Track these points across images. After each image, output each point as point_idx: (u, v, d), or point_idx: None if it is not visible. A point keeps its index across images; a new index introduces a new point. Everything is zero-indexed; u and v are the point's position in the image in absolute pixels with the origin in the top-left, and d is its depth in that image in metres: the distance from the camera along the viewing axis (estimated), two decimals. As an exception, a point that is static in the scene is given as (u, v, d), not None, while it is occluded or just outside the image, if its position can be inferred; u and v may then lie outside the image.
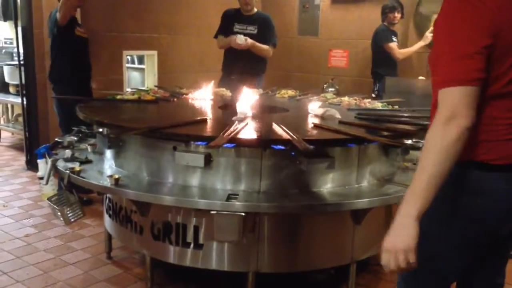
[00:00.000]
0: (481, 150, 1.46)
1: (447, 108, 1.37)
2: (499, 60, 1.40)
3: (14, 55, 6.03)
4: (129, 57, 6.60)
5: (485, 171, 1.45)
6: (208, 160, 2.41)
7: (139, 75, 7.09)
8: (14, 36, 5.50)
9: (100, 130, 2.83)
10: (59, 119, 4.18)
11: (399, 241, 1.37)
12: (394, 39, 5.32)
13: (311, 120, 2.91)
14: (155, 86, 4.50)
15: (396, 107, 3.56)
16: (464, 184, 1.48)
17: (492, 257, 1.66)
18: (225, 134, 2.35)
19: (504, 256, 1.71)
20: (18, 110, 6.25)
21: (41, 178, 2.99)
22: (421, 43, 5.34)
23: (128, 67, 6.26)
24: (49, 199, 2.88)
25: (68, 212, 2.87)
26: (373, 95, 5.02)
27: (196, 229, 2.53)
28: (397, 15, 5.32)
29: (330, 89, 5.23)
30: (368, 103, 3.58)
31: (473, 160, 1.46)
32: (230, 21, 4.68)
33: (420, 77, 5.21)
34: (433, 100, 1.49)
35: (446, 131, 1.36)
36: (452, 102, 1.37)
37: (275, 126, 2.61)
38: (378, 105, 3.53)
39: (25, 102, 5.15)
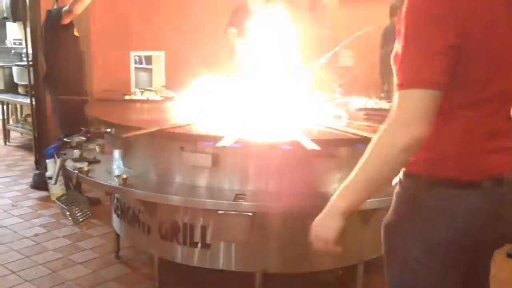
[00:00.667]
0: (451, 165, 1.30)
1: (402, 112, 1.23)
2: (469, 62, 1.24)
3: (23, 55, 6.07)
4: (136, 57, 6.62)
5: (457, 189, 1.30)
6: (215, 160, 2.42)
7: (147, 75, 7.11)
8: (23, 37, 5.53)
9: (108, 130, 2.84)
10: (61, 122, 4.19)
11: (321, 231, 1.41)
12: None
13: (319, 120, 2.91)
14: (163, 86, 4.52)
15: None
16: (434, 204, 1.33)
17: (474, 274, 1.51)
18: (233, 134, 2.35)
19: (486, 274, 1.58)
20: (27, 111, 6.28)
21: (50, 178, 3.01)
22: None
23: (135, 67, 6.28)
24: (57, 198, 2.90)
25: (76, 212, 2.89)
26: (382, 95, 4.99)
27: (204, 229, 2.54)
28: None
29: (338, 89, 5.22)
30: (375, 103, 3.57)
31: (443, 176, 1.31)
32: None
33: None
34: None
35: (396, 139, 1.23)
36: (408, 106, 1.22)
37: (283, 126, 2.61)
38: (385, 104, 3.52)
39: (34, 103, 5.18)
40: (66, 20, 3.92)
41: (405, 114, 1.23)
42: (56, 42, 4.06)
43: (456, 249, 1.35)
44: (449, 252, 1.35)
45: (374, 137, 1.29)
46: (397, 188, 1.45)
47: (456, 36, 1.21)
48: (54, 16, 4.01)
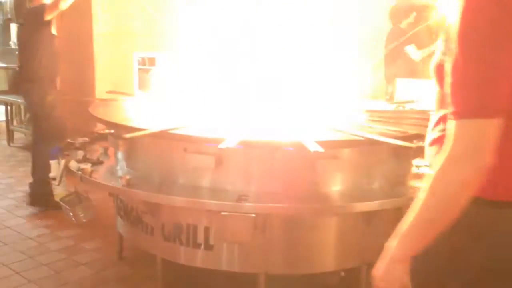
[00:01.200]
0: (501, 187, 1.18)
1: (462, 144, 1.11)
2: None
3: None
4: (139, 58, 6.63)
5: (500, 209, 1.19)
6: (218, 161, 2.42)
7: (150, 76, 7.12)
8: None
9: (112, 131, 2.85)
10: (36, 125, 4.15)
11: (385, 285, 1.29)
12: (410, 42, 5.28)
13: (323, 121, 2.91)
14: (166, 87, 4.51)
15: (408, 108, 3.55)
16: (474, 225, 1.21)
17: None
18: (236, 135, 2.35)
19: None
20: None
21: (54, 179, 3.02)
22: (432, 47, 5.30)
23: (138, 68, 6.28)
24: (61, 199, 2.91)
25: (80, 212, 2.90)
26: (387, 97, 4.99)
27: (207, 230, 2.54)
28: (414, 16, 5.31)
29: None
30: (379, 106, 3.57)
31: (487, 198, 1.19)
32: None
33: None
34: (434, 118, 1.31)
35: (458, 174, 1.11)
36: (470, 138, 1.10)
37: (286, 126, 2.61)
38: (389, 106, 3.52)
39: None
40: (49, 15, 3.80)
41: (467, 146, 1.10)
42: (34, 39, 3.93)
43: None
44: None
45: (431, 174, 1.16)
46: None
47: None
48: (36, 11, 3.88)
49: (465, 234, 1.21)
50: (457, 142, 1.11)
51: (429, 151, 1.35)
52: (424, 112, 3.37)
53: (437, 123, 1.31)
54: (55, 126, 4.01)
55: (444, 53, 1.19)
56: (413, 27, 5.44)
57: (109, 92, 4.33)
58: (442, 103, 1.26)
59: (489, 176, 1.12)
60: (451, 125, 1.13)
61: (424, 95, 4.74)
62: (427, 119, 3.14)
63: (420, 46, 5.47)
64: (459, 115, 1.11)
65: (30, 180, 4.17)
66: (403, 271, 1.25)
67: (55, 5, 3.82)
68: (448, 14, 1.17)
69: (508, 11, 1.04)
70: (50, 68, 4.05)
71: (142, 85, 6.40)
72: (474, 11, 1.07)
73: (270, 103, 2.92)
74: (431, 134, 1.33)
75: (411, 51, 5.26)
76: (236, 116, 2.84)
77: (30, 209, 4.08)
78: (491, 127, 1.09)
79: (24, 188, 4.63)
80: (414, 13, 5.31)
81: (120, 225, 3.04)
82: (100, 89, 5.07)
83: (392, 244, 1.25)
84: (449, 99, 1.13)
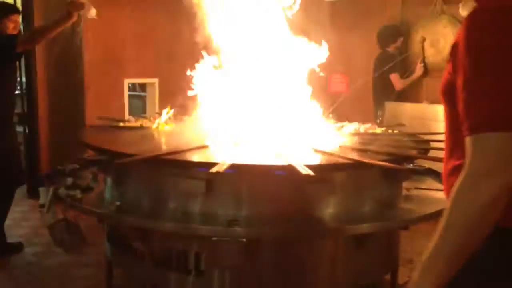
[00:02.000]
0: None
1: (480, 161, 1.05)
2: None
3: (17, 85, 6.08)
4: (130, 85, 6.66)
5: None
6: (209, 186, 2.41)
7: (141, 102, 7.14)
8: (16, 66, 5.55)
9: (101, 157, 2.83)
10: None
11: None
12: (397, 68, 5.33)
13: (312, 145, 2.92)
14: (156, 113, 4.53)
15: (396, 132, 3.57)
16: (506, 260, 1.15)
17: None
18: (226, 160, 2.35)
19: None
20: (19, 139, 6.26)
21: (43, 206, 2.99)
22: (414, 76, 5.38)
23: (129, 94, 6.31)
24: (49, 227, 2.87)
25: (68, 240, 2.86)
26: (377, 121, 5.02)
27: (198, 256, 2.51)
28: (401, 39, 5.39)
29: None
30: (368, 128, 3.59)
31: None
32: None
33: (424, 102, 5.24)
34: (449, 144, 1.25)
35: (479, 193, 1.04)
36: (488, 153, 1.05)
37: (277, 151, 2.62)
38: (378, 130, 3.55)
39: (26, 131, 5.18)
40: (22, 48, 3.57)
41: (486, 163, 1.05)
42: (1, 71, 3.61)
43: None
44: None
45: (452, 196, 1.09)
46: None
47: None
48: (5, 42, 3.57)
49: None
50: (474, 159, 1.06)
51: (448, 182, 1.23)
52: (413, 135, 3.40)
53: (453, 149, 1.23)
54: (7, 169, 3.72)
55: (452, 73, 1.17)
56: (400, 51, 5.53)
57: (99, 118, 4.33)
58: (454, 126, 1.20)
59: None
60: (468, 141, 1.08)
61: (412, 118, 4.80)
62: (417, 142, 3.18)
63: (406, 71, 5.54)
64: (473, 130, 1.07)
65: (19, 207, 4.13)
66: None
67: (33, 39, 3.66)
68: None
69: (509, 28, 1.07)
70: (10, 107, 3.79)
71: (132, 110, 6.42)
72: (480, 29, 1.09)
73: (262, 125, 2.93)
74: (449, 162, 1.24)
75: (394, 79, 5.30)
76: (228, 137, 2.85)
77: (18, 238, 4.02)
78: (510, 140, 1.04)
79: (12, 215, 4.57)
80: (401, 38, 5.40)
81: (110, 252, 3.00)
82: (91, 115, 5.07)
83: (416, 279, 1.14)
84: (463, 116, 1.09)
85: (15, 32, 3.66)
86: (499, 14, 1.09)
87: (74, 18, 3.44)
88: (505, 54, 1.06)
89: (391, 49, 5.40)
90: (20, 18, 3.79)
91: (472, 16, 1.12)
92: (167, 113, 3.62)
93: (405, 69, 5.55)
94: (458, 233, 1.07)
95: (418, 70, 5.35)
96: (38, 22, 4.86)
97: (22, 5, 4.98)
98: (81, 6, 3.36)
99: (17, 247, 3.80)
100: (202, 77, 3.22)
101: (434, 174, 3.06)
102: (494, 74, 1.06)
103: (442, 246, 1.09)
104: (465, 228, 1.06)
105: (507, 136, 1.04)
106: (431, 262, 1.11)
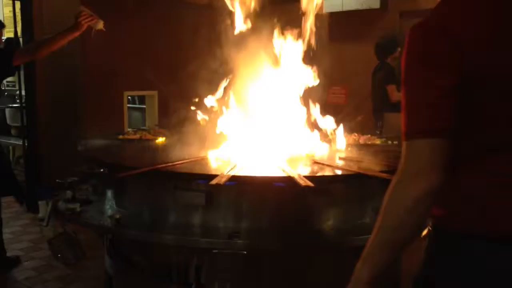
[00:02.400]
0: (484, 219, 1.17)
1: (409, 164, 1.17)
2: (485, 101, 1.15)
3: (16, 97, 6.10)
4: (129, 97, 6.67)
5: (493, 247, 1.16)
6: (209, 199, 2.40)
7: (140, 114, 7.16)
8: (16, 80, 5.58)
9: (101, 170, 2.83)
10: None
11: None
12: (395, 79, 5.34)
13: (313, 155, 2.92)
14: (156, 125, 4.53)
15: (397, 142, 3.57)
16: (466, 264, 1.20)
17: None
18: (226, 172, 2.35)
19: None
20: (19, 152, 6.27)
21: (42, 220, 2.98)
22: None
23: (128, 107, 6.32)
24: (49, 241, 2.86)
25: (68, 254, 2.85)
26: (377, 132, 5.02)
27: (198, 269, 2.50)
28: (399, 50, 5.39)
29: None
30: (367, 140, 3.59)
31: (475, 232, 1.18)
32: None
33: None
34: None
35: (405, 194, 1.16)
36: (414, 158, 1.16)
37: (277, 162, 2.62)
38: (377, 141, 3.55)
39: (26, 144, 5.18)
40: (19, 62, 3.48)
41: (413, 166, 1.16)
42: None
43: None
44: None
45: (386, 195, 1.21)
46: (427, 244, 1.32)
47: (454, 77, 1.12)
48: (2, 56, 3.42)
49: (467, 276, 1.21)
50: (404, 162, 1.19)
51: None
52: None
53: None
54: None
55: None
56: (399, 61, 5.55)
57: (99, 131, 4.33)
58: None
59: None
60: (403, 147, 1.19)
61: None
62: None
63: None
64: (405, 136, 1.19)
65: (18, 221, 4.12)
66: None
67: (34, 53, 3.50)
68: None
69: (431, 49, 1.15)
70: None
71: (132, 123, 6.43)
72: (408, 52, 1.19)
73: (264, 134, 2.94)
74: None
75: (391, 91, 5.29)
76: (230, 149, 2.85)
77: (17, 252, 4.01)
78: (434, 147, 1.13)
79: (11, 229, 4.56)
80: (399, 49, 5.41)
81: (110, 265, 2.99)
82: (91, 128, 5.07)
83: (358, 267, 1.29)
84: (402, 124, 1.20)
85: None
86: (420, 32, 1.19)
87: (83, 30, 3.33)
88: (428, 69, 1.14)
89: (389, 60, 5.41)
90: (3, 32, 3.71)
91: (408, 32, 1.21)
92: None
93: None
94: (388, 228, 1.20)
95: None
96: (37, 32, 4.87)
97: (22, 15, 4.99)
98: (92, 17, 3.28)
99: (15, 261, 3.78)
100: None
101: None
102: (419, 86, 1.16)
103: (377, 239, 1.23)
104: (393, 225, 1.19)
105: (435, 142, 1.14)
106: (368, 253, 1.25)
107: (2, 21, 3.95)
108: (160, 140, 3.50)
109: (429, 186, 1.14)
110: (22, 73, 5.10)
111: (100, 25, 3.34)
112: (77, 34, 3.33)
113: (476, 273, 1.18)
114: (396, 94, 5.29)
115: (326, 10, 6.25)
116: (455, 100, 1.13)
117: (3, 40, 3.67)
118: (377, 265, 1.24)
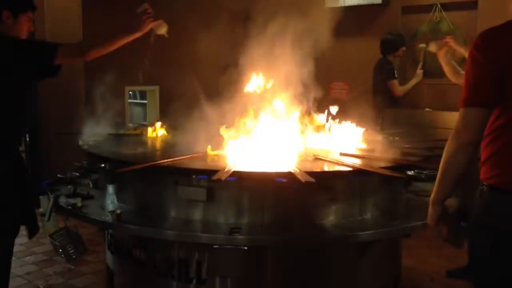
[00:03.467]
0: (502, 174, 1.66)
1: (456, 125, 1.69)
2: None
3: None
4: (131, 92, 6.67)
5: (502, 195, 1.65)
6: (210, 194, 2.41)
7: (141, 109, 7.15)
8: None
9: (102, 165, 2.83)
10: None
11: (427, 219, 1.86)
12: (396, 75, 5.34)
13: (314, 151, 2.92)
14: (157, 120, 4.53)
15: (397, 138, 3.57)
16: (488, 206, 1.71)
17: None
18: (227, 168, 2.35)
19: None
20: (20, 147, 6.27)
21: (43, 215, 2.98)
22: (414, 81, 5.38)
23: (130, 102, 6.32)
24: (50, 235, 2.87)
25: (69, 249, 2.85)
26: (377, 127, 5.02)
27: (199, 264, 2.51)
28: (404, 49, 5.39)
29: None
30: (368, 135, 3.58)
31: (495, 184, 1.67)
32: None
33: (427, 109, 5.23)
34: None
35: (449, 145, 1.71)
36: (459, 120, 1.68)
37: (278, 158, 2.62)
38: (378, 137, 3.54)
39: (27, 139, 5.18)
40: (63, 61, 2.65)
41: (457, 125, 1.69)
42: (31, 88, 2.81)
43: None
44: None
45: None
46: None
47: (493, 75, 1.64)
48: (42, 50, 2.56)
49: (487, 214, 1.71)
50: (456, 124, 1.69)
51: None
52: (412, 142, 3.40)
53: None
54: None
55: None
56: (400, 60, 5.55)
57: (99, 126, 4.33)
58: None
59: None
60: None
61: (411, 125, 4.79)
62: (415, 148, 3.17)
63: (404, 79, 5.54)
64: (459, 105, 1.69)
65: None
66: (432, 211, 1.83)
67: (83, 53, 2.70)
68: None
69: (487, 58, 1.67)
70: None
71: (133, 118, 6.42)
72: (470, 56, 1.72)
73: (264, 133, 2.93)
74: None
75: (394, 86, 5.28)
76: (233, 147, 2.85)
77: (19, 246, 4.01)
78: (472, 114, 1.66)
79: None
80: (403, 48, 5.41)
81: (111, 260, 3.00)
82: (91, 123, 5.06)
83: (431, 195, 1.83)
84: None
85: (29, 31, 2.66)
86: (482, 37, 1.70)
87: (145, 31, 2.77)
88: (477, 64, 1.69)
89: (391, 57, 5.41)
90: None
91: (474, 45, 1.72)
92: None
93: (403, 76, 5.56)
94: (442, 167, 1.76)
95: (418, 75, 5.35)
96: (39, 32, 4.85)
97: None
98: (157, 20, 2.78)
99: None
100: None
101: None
102: (470, 74, 1.70)
103: (438, 175, 1.78)
104: (445, 165, 1.75)
105: (474, 111, 1.66)
106: (435, 185, 1.81)
107: None
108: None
109: (464, 141, 1.67)
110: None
111: (164, 29, 2.89)
112: (138, 35, 2.76)
113: None
114: (399, 88, 5.29)
115: (327, 5, 6.24)
116: (494, 86, 1.64)
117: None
118: (439, 191, 1.79)
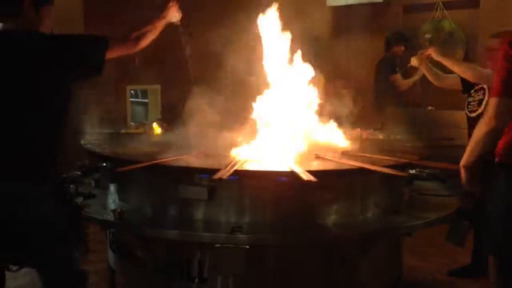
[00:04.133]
0: None
1: (488, 111, 2.09)
2: None
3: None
4: (132, 91, 6.67)
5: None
6: (211, 193, 2.41)
7: (143, 109, 7.15)
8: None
9: (104, 164, 2.84)
10: None
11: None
12: (397, 70, 5.34)
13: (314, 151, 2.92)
14: (158, 119, 4.53)
15: (398, 137, 3.57)
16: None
17: None
18: (229, 167, 2.36)
19: None
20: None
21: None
22: (416, 76, 5.38)
23: (131, 101, 6.32)
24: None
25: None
26: (379, 126, 5.02)
27: (201, 263, 2.51)
28: (402, 48, 5.39)
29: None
30: (370, 134, 3.59)
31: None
32: None
33: (429, 108, 5.22)
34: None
35: (481, 128, 2.11)
36: (490, 108, 2.07)
37: (279, 157, 2.62)
38: (380, 135, 3.54)
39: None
40: (115, 55, 2.35)
41: (488, 112, 2.09)
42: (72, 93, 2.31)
43: None
44: None
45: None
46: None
47: None
48: (96, 44, 2.26)
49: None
50: (488, 111, 2.10)
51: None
52: (414, 140, 3.40)
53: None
54: None
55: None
56: (402, 57, 5.55)
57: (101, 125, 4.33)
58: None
59: None
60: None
61: (414, 123, 4.79)
62: (417, 147, 3.17)
63: (406, 75, 5.54)
64: (493, 94, 2.09)
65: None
66: (465, 171, 2.25)
67: (136, 44, 2.44)
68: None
69: None
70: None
71: (135, 117, 6.43)
72: (503, 52, 2.10)
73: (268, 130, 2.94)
74: None
75: (397, 80, 5.29)
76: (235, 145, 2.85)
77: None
78: (502, 103, 2.03)
79: None
80: (402, 48, 5.41)
81: (112, 259, 3.00)
82: (93, 122, 5.07)
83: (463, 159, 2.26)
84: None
85: (49, 29, 2.24)
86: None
87: (169, 17, 2.69)
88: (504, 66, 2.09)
89: (389, 54, 5.42)
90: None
91: (508, 42, 2.10)
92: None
93: (404, 71, 5.56)
94: (474, 143, 2.18)
95: (421, 70, 5.35)
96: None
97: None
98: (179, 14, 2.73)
99: None
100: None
101: (437, 179, 3.05)
102: (502, 71, 2.08)
103: (471, 143, 2.20)
104: (474, 145, 2.18)
105: (504, 101, 2.03)
106: (467, 150, 2.22)
107: None
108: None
109: (492, 128, 2.07)
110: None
111: (178, 17, 2.79)
112: (163, 22, 2.61)
113: None
114: (402, 82, 5.28)
115: (329, 4, 6.23)
116: None
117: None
118: (467, 159, 2.22)
